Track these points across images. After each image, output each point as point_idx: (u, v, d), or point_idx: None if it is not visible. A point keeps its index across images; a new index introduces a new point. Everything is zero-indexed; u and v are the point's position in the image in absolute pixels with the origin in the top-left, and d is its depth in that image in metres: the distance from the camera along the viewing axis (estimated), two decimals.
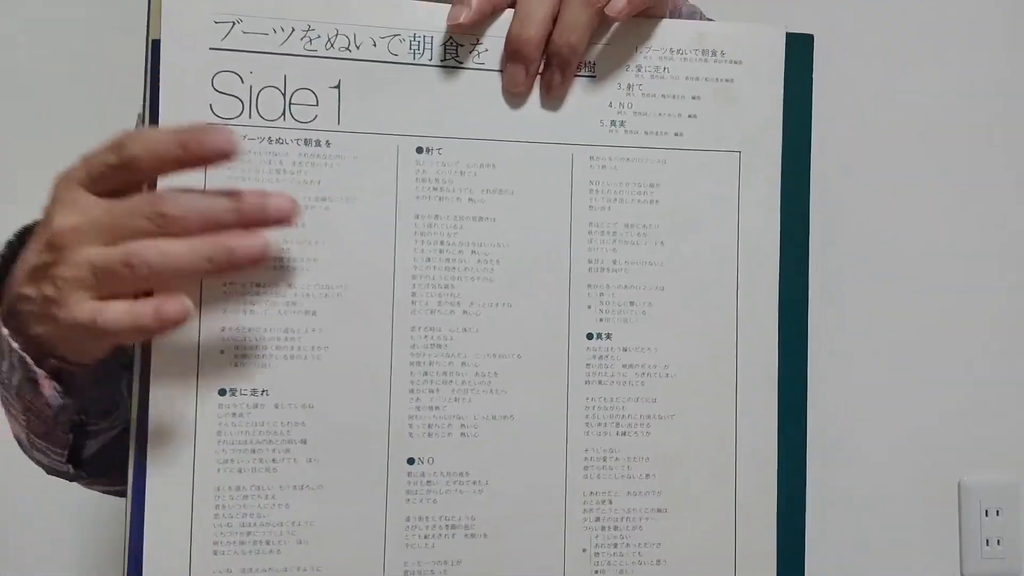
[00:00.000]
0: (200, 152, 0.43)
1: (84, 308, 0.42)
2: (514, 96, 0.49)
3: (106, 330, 0.42)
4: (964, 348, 1.16)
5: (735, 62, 0.51)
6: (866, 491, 1.16)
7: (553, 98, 0.49)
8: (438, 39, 0.49)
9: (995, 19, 1.17)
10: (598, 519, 0.49)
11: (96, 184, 0.43)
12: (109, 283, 0.42)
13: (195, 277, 0.45)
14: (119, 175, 0.43)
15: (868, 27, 1.15)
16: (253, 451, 0.47)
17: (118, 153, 0.43)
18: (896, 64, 1.16)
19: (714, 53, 0.51)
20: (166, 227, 0.42)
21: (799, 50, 0.51)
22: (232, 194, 0.43)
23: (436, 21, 0.49)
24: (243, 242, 0.43)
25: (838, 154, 1.09)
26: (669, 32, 0.50)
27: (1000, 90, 1.17)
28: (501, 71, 0.49)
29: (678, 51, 0.50)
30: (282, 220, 0.44)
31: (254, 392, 0.47)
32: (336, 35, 0.48)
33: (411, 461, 0.48)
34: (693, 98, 0.50)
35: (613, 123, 0.50)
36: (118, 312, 0.42)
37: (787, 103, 0.51)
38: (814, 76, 0.51)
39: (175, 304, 0.42)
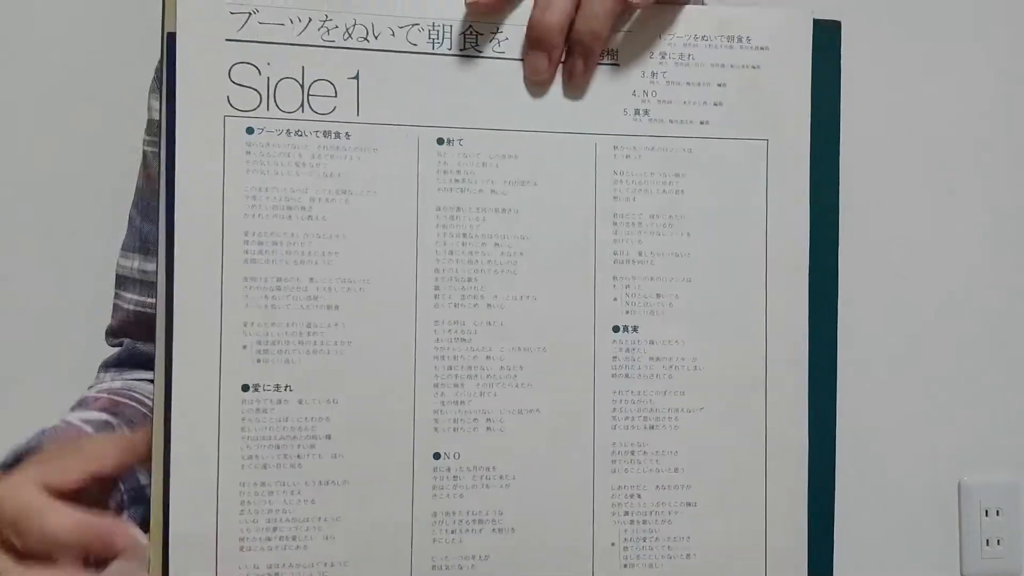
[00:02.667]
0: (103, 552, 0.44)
1: None
2: (536, 85, 0.48)
3: None
4: (964, 348, 1.17)
5: (761, 48, 0.50)
6: (866, 491, 1.17)
7: (576, 87, 0.48)
8: (457, 28, 0.48)
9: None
10: (627, 513, 0.49)
11: None
12: None
13: None
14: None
15: (895, 12, 1.14)
16: (277, 447, 0.46)
17: (21, 539, 0.44)
18: (926, 50, 1.15)
19: (740, 39, 0.50)
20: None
21: (827, 37, 0.51)
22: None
23: (455, 9, 0.48)
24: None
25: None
26: (693, 18, 0.50)
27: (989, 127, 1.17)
28: (522, 60, 0.48)
29: (703, 37, 0.50)
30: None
31: (277, 388, 0.46)
32: (354, 25, 0.47)
33: (437, 456, 0.47)
34: (719, 85, 0.50)
35: (637, 112, 0.49)
36: None
37: (815, 90, 0.51)
38: (841, 63, 0.50)
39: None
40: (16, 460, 0.52)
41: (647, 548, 0.49)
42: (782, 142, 0.50)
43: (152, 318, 0.46)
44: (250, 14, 0.46)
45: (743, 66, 0.50)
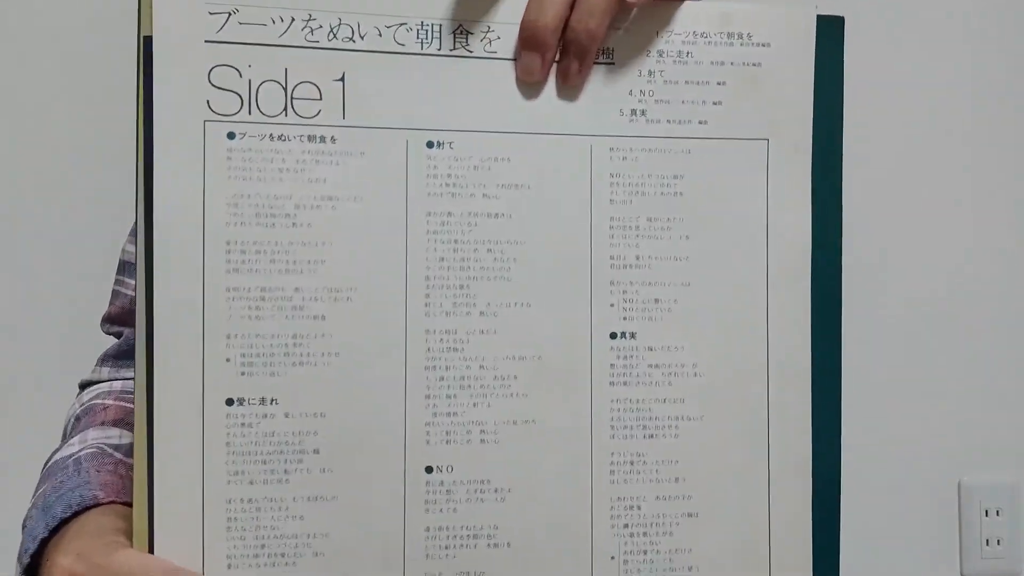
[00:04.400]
0: None
1: None
2: (529, 86, 0.47)
3: None
4: (964, 348, 1.17)
5: (762, 45, 0.49)
6: (866, 491, 1.16)
7: (571, 87, 0.47)
8: (447, 27, 0.46)
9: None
10: (626, 525, 0.47)
11: None
12: None
13: None
14: None
15: (898, 8, 1.14)
16: (264, 462, 0.44)
17: None
18: (927, 47, 1.15)
19: (740, 36, 0.48)
20: None
21: (830, 33, 0.49)
22: None
23: (444, 7, 0.46)
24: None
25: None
26: (692, 14, 0.48)
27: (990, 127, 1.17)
28: (515, 60, 0.47)
29: (702, 34, 0.48)
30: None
31: (263, 401, 0.44)
32: (339, 24, 0.45)
33: (429, 469, 0.46)
34: (718, 84, 0.48)
35: (634, 112, 0.48)
36: None
37: (818, 89, 0.49)
38: (845, 60, 0.49)
39: None
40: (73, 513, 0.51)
41: (648, 561, 0.48)
42: (783, 142, 0.49)
43: None
44: (230, 14, 0.45)
45: (744, 64, 0.49)
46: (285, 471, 0.45)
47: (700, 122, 0.48)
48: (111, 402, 0.63)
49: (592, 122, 0.47)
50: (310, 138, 0.45)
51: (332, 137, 0.45)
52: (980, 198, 1.17)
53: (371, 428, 0.45)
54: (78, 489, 0.51)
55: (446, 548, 0.46)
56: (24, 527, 0.50)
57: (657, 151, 0.48)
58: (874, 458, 1.14)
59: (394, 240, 0.46)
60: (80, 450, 0.56)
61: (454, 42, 0.46)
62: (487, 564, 0.46)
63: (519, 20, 0.46)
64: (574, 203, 0.47)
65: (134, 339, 0.67)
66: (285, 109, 0.45)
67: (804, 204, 0.49)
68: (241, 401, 0.44)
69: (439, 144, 0.46)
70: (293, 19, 0.45)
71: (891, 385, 1.15)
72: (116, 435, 0.59)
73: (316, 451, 0.45)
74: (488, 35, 0.47)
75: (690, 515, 0.48)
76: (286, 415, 0.44)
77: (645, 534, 0.48)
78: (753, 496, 0.48)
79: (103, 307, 0.71)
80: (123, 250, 0.71)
